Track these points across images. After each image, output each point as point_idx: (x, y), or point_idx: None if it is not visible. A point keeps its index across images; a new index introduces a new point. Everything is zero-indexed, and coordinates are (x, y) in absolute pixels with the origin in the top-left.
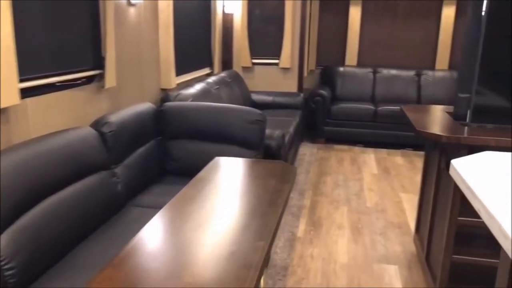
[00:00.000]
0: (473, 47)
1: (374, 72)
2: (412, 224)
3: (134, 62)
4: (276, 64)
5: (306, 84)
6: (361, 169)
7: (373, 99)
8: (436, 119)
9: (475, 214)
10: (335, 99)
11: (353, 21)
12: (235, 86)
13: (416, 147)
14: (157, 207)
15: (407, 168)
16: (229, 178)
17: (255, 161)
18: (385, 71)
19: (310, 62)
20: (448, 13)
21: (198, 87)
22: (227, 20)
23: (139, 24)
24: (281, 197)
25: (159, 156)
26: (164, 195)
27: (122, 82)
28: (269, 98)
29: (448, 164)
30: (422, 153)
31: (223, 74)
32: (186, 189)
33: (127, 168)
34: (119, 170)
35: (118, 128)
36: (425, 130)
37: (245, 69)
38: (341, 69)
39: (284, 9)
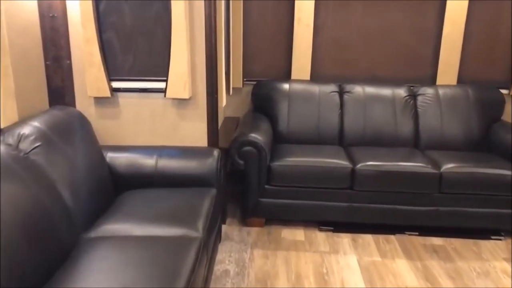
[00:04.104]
0: None
1: (341, 92)
2: None
3: None
4: (162, 91)
5: (229, 112)
6: None
7: (341, 138)
8: None
9: None
10: (278, 139)
11: (302, 10)
12: (70, 145)
13: (424, 230)
14: None
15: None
16: None
17: None
18: (358, 90)
19: (234, 76)
20: None
21: None
22: (51, 27)
23: None
24: None
25: None
26: None
27: None
28: (148, 164)
29: None
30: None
31: (38, 125)
32: None
33: None
34: None
35: None
36: None
37: (99, 102)
38: (286, 86)
39: (169, 9)
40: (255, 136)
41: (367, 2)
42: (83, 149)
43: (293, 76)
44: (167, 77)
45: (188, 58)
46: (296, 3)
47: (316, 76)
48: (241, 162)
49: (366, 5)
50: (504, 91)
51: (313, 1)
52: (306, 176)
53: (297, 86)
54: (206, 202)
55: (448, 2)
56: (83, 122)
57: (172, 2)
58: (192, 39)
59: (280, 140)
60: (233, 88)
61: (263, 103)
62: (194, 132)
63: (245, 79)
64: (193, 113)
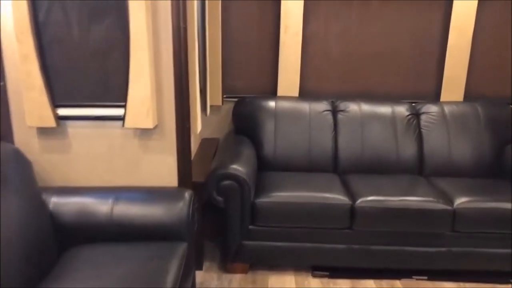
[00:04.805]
0: None
1: (335, 110)
2: None
3: None
4: (120, 119)
5: (207, 132)
6: None
7: (335, 165)
8: None
9: None
10: (263, 166)
11: (289, 16)
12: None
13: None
14: None
15: None
16: None
17: None
18: (353, 108)
19: (212, 93)
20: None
21: None
22: None
23: None
24: None
25: None
26: None
27: None
28: (101, 211)
29: None
30: None
31: None
32: None
33: None
34: None
35: None
36: None
37: (43, 133)
38: (271, 104)
39: (127, 19)
40: (236, 168)
41: (363, 8)
42: (16, 196)
43: (280, 93)
44: (126, 102)
45: (151, 78)
46: (283, 8)
47: (306, 93)
48: (220, 199)
49: (362, 12)
50: None
51: (302, 6)
52: (297, 214)
53: (285, 104)
54: (173, 266)
55: (454, 8)
56: (19, 160)
57: (130, 11)
58: (157, 55)
59: (266, 167)
60: (211, 106)
61: (245, 123)
62: (161, 168)
63: (225, 96)
64: (160, 145)
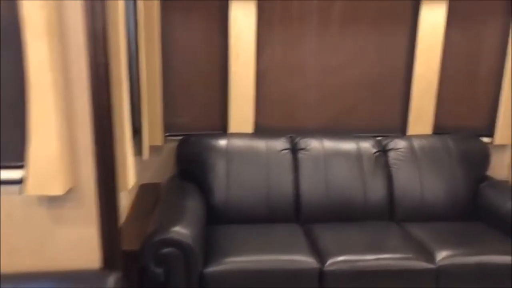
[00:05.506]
0: None
1: (295, 149)
2: None
3: None
4: (19, 182)
5: (147, 176)
6: None
7: (297, 213)
8: None
9: None
10: (213, 218)
11: (239, 42)
12: None
13: None
14: None
15: None
16: None
17: None
18: (315, 145)
19: (152, 131)
20: (432, 18)
21: None
22: None
23: None
24: None
25: None
26: None
27: None
28: None
29: None
30: None
31: None
32: None
33: None
34: None
35: None
36: None
37: None
38: (222, 142)
39: (23, 51)
40: (179, 231)
41: (322, 36)
42: None
43: (232, 129)
44: (25, 162)
45: (60, 130)
46: (232, 32)
47: (261, 129)
48: (160, 270)
49: (321, 40)
50: (486, 139)
51: (254, 32)
52: (256, 283)
53: (238, 143)
54: None
55: (419, 38)
56: None
57: (28, 43)
58: (67, 99)
59: (217, 220)
60: (150, 146)
61: (191, 166)
62: (78, 244)
63: (167, 134)
64: (76, 214)
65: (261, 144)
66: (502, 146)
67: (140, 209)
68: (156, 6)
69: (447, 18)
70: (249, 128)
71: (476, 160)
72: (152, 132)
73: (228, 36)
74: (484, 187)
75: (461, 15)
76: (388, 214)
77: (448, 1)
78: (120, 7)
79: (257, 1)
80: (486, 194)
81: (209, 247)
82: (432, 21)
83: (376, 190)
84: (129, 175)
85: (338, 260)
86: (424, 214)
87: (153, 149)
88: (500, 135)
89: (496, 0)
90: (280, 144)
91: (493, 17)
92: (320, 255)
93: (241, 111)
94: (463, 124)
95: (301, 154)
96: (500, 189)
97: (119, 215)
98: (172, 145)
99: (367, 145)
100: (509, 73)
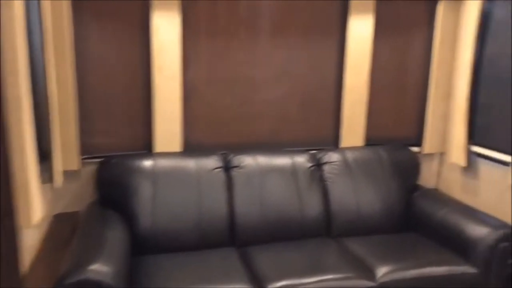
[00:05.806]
0: None
1: (227, 167)
2: None
3: None
4: None
5: (62, 205)
6: None
7: (233, 235)
8: None
9: None
10: (139, 248)
11: (162, 55)
12: None
13: None
14: None
15: None
16: None
17: None
18: (249, 162)
19: (65, 155)
20: (359, 30)
21: None
22: None
23: None
24: None
25: None
26: None
27: None
28: None
29: None
30: None
31: None
32: None
33: None
34: None
35: None
36: None
37: None
38: (147, 163)
39: None
40: (98, 269)
41: (251, 48)
42: None
43: (158, 148)
44: None
45: None
46: (155, 45)
47: (191, 146)
48: None
49: (250, 52)
50: (415, 149)
51: (178, 44)
52: None
53: (164, 163)
54: None
55: (348, 48)
56: None
57: None
58: None
59: (143, 250)
60: (64, 171)
61: (113, 191)
62: None
63: (83, 157)
64: None
65: (190, 163)
66: (430, 155)
67: (54, 242)
68: (66, 8)
69: (375, 30)
70: (176, 146)
71: (408, 170)
72: (66, 155)
73: (151, 47)
74: (416, 197)
75: (388, 26)
76: (325, 230)
77: (375, 13)
78: (17, 7)
79: (181, 10)
80: (418, 203)
81: (135, 282)
82: (360, 33)
83: (313, 206)
84: (34, 207)
85: (278, 286)
86: (360, 228)
87: (68, 174)
88: (429, 144)
89: (420, 12)
90: (211, 162)
91: (418, 29)
92: (259, 281)
93: (167, 128)
94: (393, 134)
95: (234, 172)
96: (431, 198)
97: (21, 258)
98: (90, 168)
99: (301, 160)
100: (434, 83)
